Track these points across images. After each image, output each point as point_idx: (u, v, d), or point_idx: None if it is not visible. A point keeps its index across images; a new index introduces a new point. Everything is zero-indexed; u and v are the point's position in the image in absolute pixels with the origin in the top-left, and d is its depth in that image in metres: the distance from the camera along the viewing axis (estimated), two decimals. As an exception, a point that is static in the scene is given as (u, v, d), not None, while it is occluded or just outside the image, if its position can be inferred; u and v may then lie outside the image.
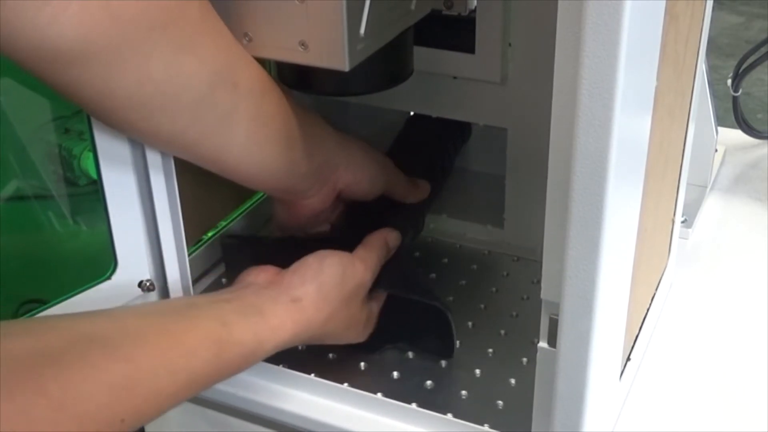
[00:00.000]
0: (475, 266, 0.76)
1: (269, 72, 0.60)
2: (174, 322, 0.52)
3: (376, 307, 0.64)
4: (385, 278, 0.64)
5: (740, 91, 0.93)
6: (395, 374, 0.64)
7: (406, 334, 0.66)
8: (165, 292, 0.66)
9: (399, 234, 0.67)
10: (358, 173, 0.67)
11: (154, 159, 0.60)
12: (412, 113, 0.80)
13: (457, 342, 0.65)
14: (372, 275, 0.63)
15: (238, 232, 0.77)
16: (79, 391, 0.43)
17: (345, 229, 0.69)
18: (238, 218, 0.78)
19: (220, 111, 0.55)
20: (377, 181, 0.69)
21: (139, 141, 0.58)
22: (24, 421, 0.40)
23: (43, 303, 0.63)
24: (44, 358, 0.43)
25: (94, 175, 0.61)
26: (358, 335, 0.63)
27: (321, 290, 0.59)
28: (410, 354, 0.66)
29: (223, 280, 0.74)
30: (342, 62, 0.55)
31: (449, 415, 0.58)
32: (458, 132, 0.81)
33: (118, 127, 0.56)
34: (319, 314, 0.58)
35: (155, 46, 0.50)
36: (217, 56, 0.54)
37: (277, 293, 0.57)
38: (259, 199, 0.80)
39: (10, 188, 0.79)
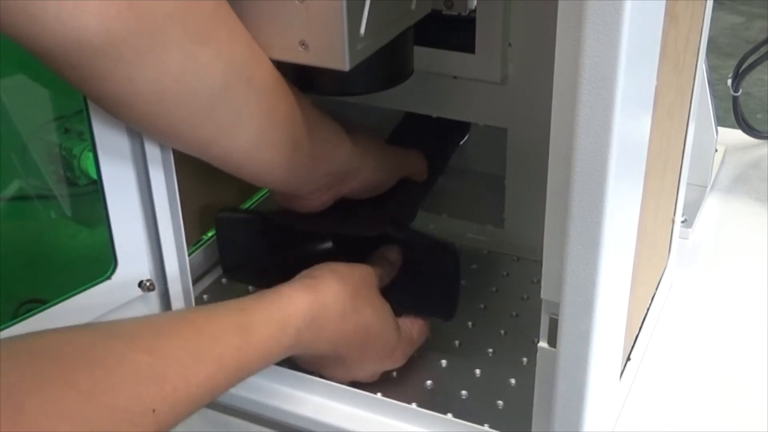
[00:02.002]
0: (475, 266, 0.76)
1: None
2: (195, 314, 0.53)
3: (414, 326, 0.64)
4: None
5: (740, 91, 0.93)
6: (395, 374, 0.64)
7: (406, 294, 0.65)
8: (165, 292, 0.66)
9: (398, 249, 0.67)
10: (366, 182, 0.67)
11: (153, 159, 0.60)
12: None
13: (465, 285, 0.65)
14: (378, 278, 0.62)
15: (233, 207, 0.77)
16: (106, 382, 0.43)
17: (340, 210, 0.69)
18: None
19: (233, 106, 0.55)
20: (384, 184, 0.69)
21: (151, 135, 0.58)
22: (54, 413, 0.40)
23: (43, 303, 0.62)
24: (70, 352, 0.44)
25: (94, 175, 0.61)
26: (398, 341, 0.62)
27: (334, 271, 0.59)
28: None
29: (223, 280, 0.74)
30: (342, 62, 0.55)
31: (449, 415, 0.58)
32: (455, 129, 0.81)
33: (138, 123, 0.56)
34: (336, 291, 0.58)
35: (172, 36, 0.50)
36: (233, 50, 0.54)
37: (293, 281, 0.58)
38: (259, 199, 0.80)
39: (10, 188, 0.79)
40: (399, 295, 0.65)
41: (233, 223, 0.70)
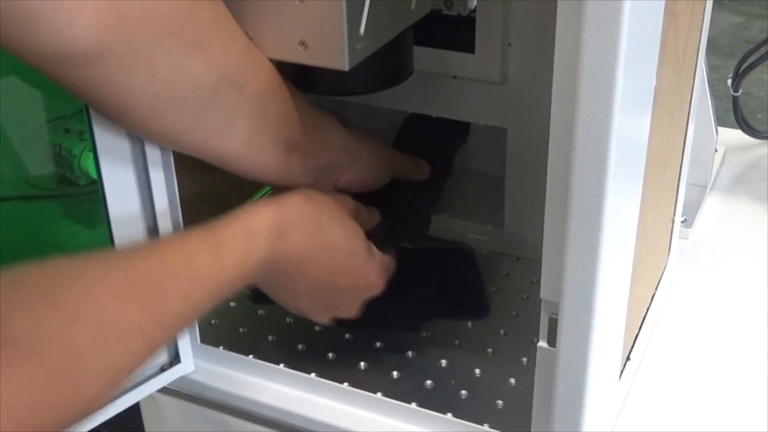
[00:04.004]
0: (475, 266, 0.76)
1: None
2: (165, 239, 0.56)
3: (385, 256, 0.63)
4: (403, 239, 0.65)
5: (740, 91, 0.93)
6: (395, 374, 0.64)
7: (434, 302, 0.65)
8: (165, 292, 0.66)
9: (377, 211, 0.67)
10: (361, 174, 0.67)
11: (153, 158, 0.60)
12: (409, 113, 0.80)
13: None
14: (351, 209, 0.63)
15: None
16: (88, 300, 0.44)
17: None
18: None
19: (222, 113, 0.56)
20: (380, 178, 0.69)
21: (146, 139, 0.59)
22: (43, 333, 0.41)
23: (43, 303, 0.62)
24: (49, 278, 0.44)
25: (94, 175, 0.61)
26: (370, 263, 0.61)
27: (300, 191, 0.59)
28: (410, 354, 0.66)
29: (223, 280, 0.74)
30: (342, 62, 0.55)
31: (449, 415, 0.58)
32: (456, 132, 0.81)
33: (127, 125, 0.56)
34: (301, 206, 0.58)
35: (164, 47, 0.51)
36: (227, 59, 0.54)
37: (259, 200, 0.58)
38: (259, 199, 0.80)
39: (10, 188, 0.79)
40: (431, 307, 0.65)
41: None
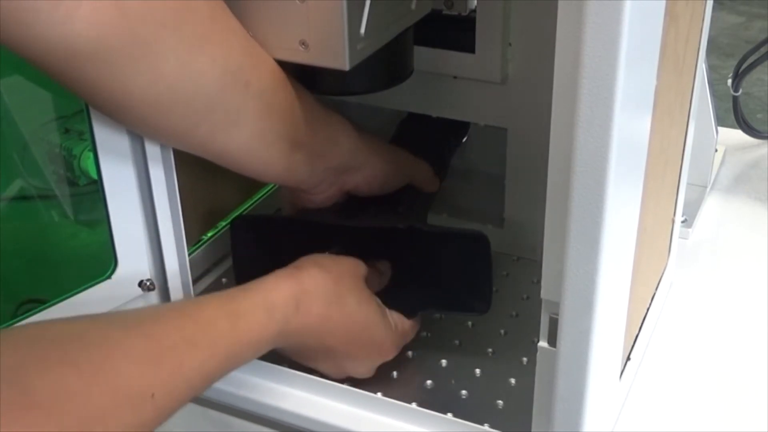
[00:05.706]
0: (475, 266, 0.76)
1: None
2: (187, 303, 0.56)
3: (405, 322, 0.63)
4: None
5: (740, 91, 0.93)
6: (395, 374, 0.64)
7: (436, 291, 0.65)
8: (165, 292, 0.66)
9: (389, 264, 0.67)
10: (370, 177, 0.67)
11: (154, 158, 0.60)
12: (406, 114, 0.80)
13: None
14: (363, 274, 0.62)
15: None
16: (106, 364, 0.44)
17: (353, 210, 0.69)
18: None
19: (229, 109, 0.56)
20: (391, 183, 0.69)
21: (149, 137, 0.59)
22: (59, 394, 0.40)
23: (43, 303, 0.63)
24: (70, 337, 0.44)
25: (94, 175, 0.61)
26: (385, 333, 0.61)
27: (316, 262, 0.59)
28: (410, 353, 0.66)
29: (224, 280, 0.74)
30: (342, 62, 0.55)
31: (449, 415, 0.58)
32: (452, 134, 0.81)
33: (132, 124, 0.56)
34: (318, 279, 0.58)
35: (167, 43, 0.50)
36: (230, 55, 0.54)
37: (277, 271, 0.58)
38: (259, 198, 0.80)
39: (11, 188, 0.79)
40: (429, 296, 0.65)
41: (250, 227, 0.69)
